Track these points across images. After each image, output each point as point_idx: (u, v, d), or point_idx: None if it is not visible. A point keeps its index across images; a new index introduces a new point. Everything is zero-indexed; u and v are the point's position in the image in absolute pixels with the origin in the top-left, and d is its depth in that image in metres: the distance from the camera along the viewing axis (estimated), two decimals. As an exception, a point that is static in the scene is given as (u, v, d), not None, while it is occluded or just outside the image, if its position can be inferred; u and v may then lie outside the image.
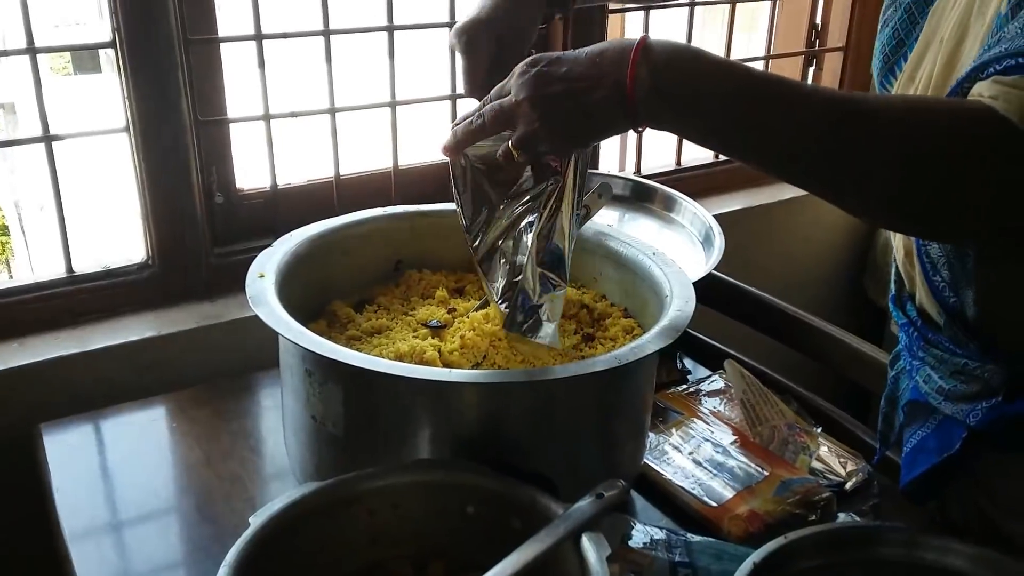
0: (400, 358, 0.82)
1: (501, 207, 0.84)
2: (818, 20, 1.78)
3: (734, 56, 1.64)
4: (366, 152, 1.39)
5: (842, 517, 0.88)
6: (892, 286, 0.88)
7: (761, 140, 0.63)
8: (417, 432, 0.74)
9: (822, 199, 0.64)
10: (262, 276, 0.84)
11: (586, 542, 0.62)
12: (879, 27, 0.82)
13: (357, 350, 0.87)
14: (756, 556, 0.77)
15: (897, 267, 0.86)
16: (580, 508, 0.64)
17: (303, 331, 0.75)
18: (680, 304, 0.83)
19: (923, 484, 0.83)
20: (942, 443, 0.81)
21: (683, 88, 0.64)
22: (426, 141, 1.47)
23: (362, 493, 0.68)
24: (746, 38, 1.67)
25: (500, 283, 0.84)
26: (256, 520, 0.62)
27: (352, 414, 0.75)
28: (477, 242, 0.85)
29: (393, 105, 1.33)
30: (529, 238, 0.80)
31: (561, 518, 0.64)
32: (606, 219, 1.11)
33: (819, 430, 0.99)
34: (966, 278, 0.73)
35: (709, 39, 1.68)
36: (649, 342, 0.76)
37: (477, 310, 0.91)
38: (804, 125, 0.62)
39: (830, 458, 0.97)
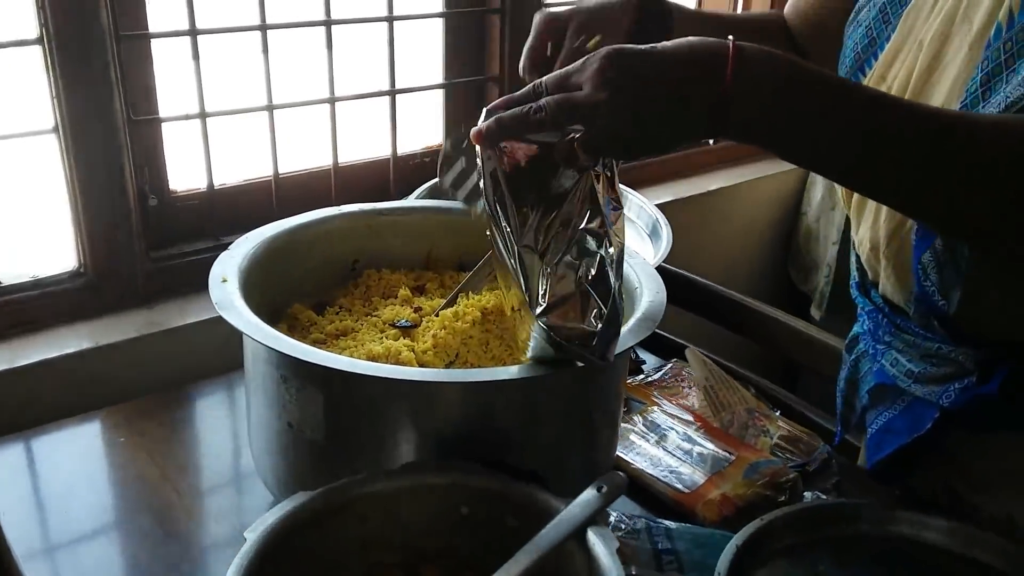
0: (374, 359, 0.80)
1: (539, 207, 0.72)
2: None
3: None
4: (305, 150, 1.36)
5: (808, 496, 0.91)
6: (854, 273, 0.91)
7: (855, 160, 0.62)
8: (402, 434, 0.73)
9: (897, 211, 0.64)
10: (224, 280, 0.81)
11: (593, 537, 0.62)
12: (849, 26, 0.84)
13: (325, 353, 0.85)
14: (738, 539, 0.79)
15: (859, 257, 0.88)
16: (583, 503, 0.64)
17: (279, 336, 0.73)
18: (651, 295, 0.84)
19: (891, 464, 0.87)
20: (911, 424, 0.84)
21: (780, 99, 0.61)
22: (366, 138, 1.45)
23: (353, 500, 0.66)
24: None
25: (544, 288, 0.69)
26: (252, 535, 0.59)
27: (333, 419, 0.73)
28: (510, 245, 0.70)
29: (332, 101, 1.30)
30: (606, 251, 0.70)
31: (564, 514, 0.64)
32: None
33: (778, 413, 1.02)
34: (957, 280, 0.74)
35: None
36: (629, 333, 0.76)
37: (444, 308, 0.90)
38: (904, 150, 0.60)
39: (789, 440, 1.00)
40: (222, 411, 1.06)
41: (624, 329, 0.78)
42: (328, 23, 1.26)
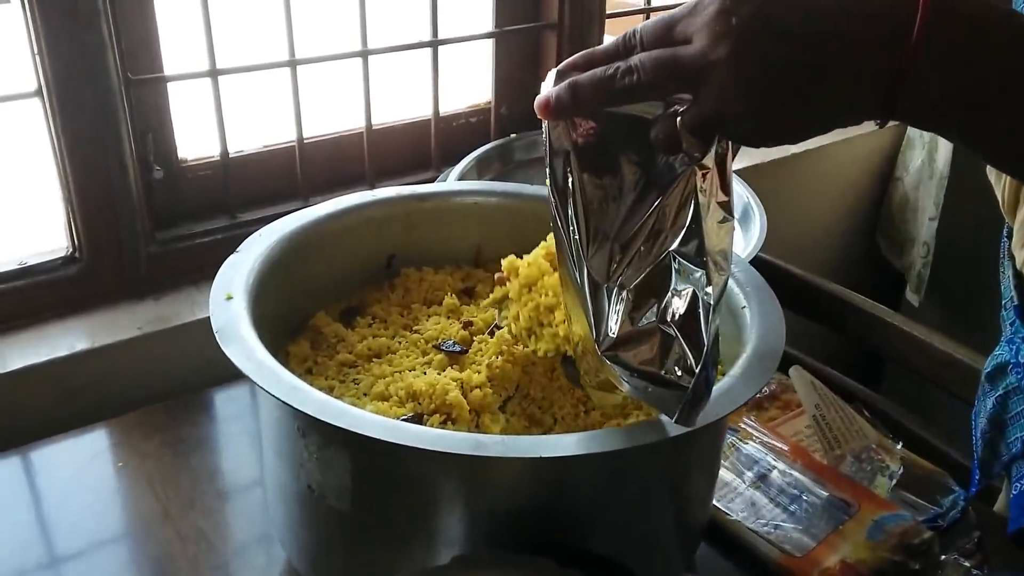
0: (415, 398, 0.64)
1: (622, 208, 0.54)
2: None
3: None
4: (333, 111, 1.18)
5: (946, 560, 0.74)
6: (1011, 292, 0.72)
7: None
8: (446, 510, 0.57)
9: None
10: (230, 298, 0.64)
11: None
12: None
13: (355, 382, 0.69)
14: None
15: (1022, 275, 0.70)
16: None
17: (294, 383, 0.56)
18: (766, 321, 0.66)
19: None
20: None
21: (992, 70, 0.43)
22: (403, 96, 1.27)
23: (390, 608, 0.51)
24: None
25: (616, 316, 0.53)
26: None
27: (362, 487, 0.57)
28: (577, 255, 0.54)
29: (365, 55, 1.11)
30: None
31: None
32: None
33: (900, 447, 0.85)
34: None
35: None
36: (744, 385, 0.59)
37: (500, 325, 0.73)
38: None
39: (914, 482, 0.82)
40: (240, 426, 0.91)
41: (736, 371, 0.61)
42: (360, -38, 1.07)
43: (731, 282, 0.72)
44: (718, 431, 0.66)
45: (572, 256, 0.54)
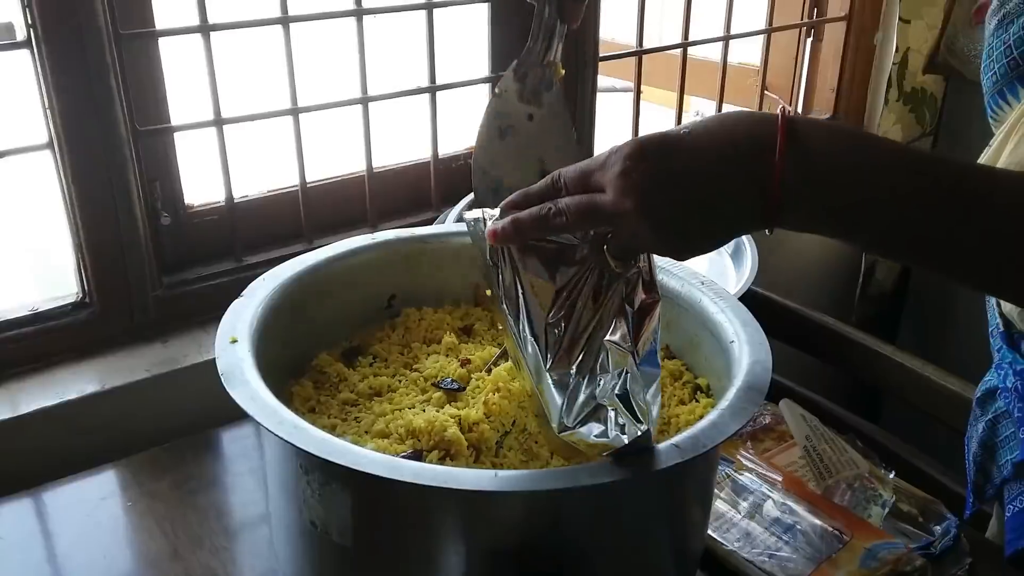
0: (415, 435, 0.66)
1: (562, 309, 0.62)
2: (816, -12, 1.64)
3: (717, 30, 1.49)
4: (335, 155, 1.22)
5: (935, 586, 0.76)
6: (996, 319, 0.74)
7: (937, 250, 0.52)
8: (445, 545, 0.58)
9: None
10: (234, 341, 0.67)
11: None
12: (994, 17, 0.67)
13: (356, 420, 0.71)
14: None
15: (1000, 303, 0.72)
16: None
17: (296, 422, 0.58)
18: (754, 354, 0.68)
19: None
20: None
21: (844, 190, 0.51)
22: (404, 139, 1.30)
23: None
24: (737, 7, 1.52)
25: (565, 407, 0.59)
26: None
27: (364, 523, 0.59)
28: (525, 353, 0.62)
29: (365, 101, 1.15)
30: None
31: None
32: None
33: (891, 475, 0.86)
34: None
35: (707, 7, 1.53)
36: (733, 415, 0.61)
37: (497, 361, 0.76)
38: (990, 236, 0.50)
39: (907, 510, 0.84)
40: (246, 465, 0.93)
41: (724, 404, 0.63)
42: (359, 12, 1.11)
43: (721, 317, 0.74)
44: (709, 461, 0.67)
45: (520, 344, 0.62)
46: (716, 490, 0.84)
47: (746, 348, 0.69)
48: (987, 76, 0.70)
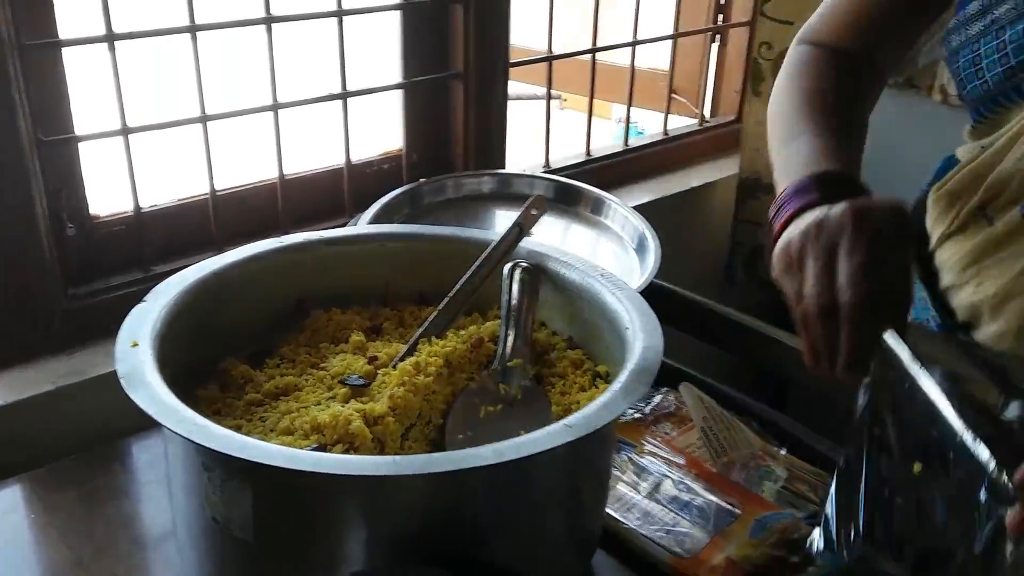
0: (319, 430, 0.67)
1: None
2: (720, -5, 1.70)
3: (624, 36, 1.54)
4: (246, 163, 1.22)
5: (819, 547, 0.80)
6: (931, 311, 0.77)
7: None
8: (351, 535, 0.60)
9: None
10: (135, 345, 0.67)
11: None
12: (976, 23, 0.69)
13: (261, 420, 0.72)
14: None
15: (945, 295, 0.76)
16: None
17: (196, 420, 0.59)
18: (647, 339, 0.72)
19: None
20: None
21: None
22: (315, 146, 1.31)
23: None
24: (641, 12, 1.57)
25: None
26: None
27: (265, 517, 0.60)
28: None
29: (275, 108, 1.15)
30: None
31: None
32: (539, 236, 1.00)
33: (784, 451, 0.91)
34: None
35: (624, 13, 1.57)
36: (623, 395, 0.64)
37: (404, 357, 0.77)
38: None
39: (798, 484, 0.88)
40: (154, 474, 0.92)
41: (616, 386, 0.66)
42: (269, 20, 1.12)
43: (619, 307, 0.78)
44: (603, 441, 0.70)
45: None
46: (619, 473, 0.87)
47: (640, 335, 0.73)
48: (974, 84, 0.71)
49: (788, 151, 0.74)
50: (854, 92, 0.81)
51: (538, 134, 1.45)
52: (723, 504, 0.83)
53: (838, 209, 0.59)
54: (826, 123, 0.75)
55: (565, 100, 3.67)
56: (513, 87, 1.36)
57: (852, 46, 0.82)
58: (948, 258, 0.77)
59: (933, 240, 0.79)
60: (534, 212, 0.86)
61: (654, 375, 0.67)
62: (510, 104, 1.36)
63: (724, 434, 0.90)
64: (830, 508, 0.61)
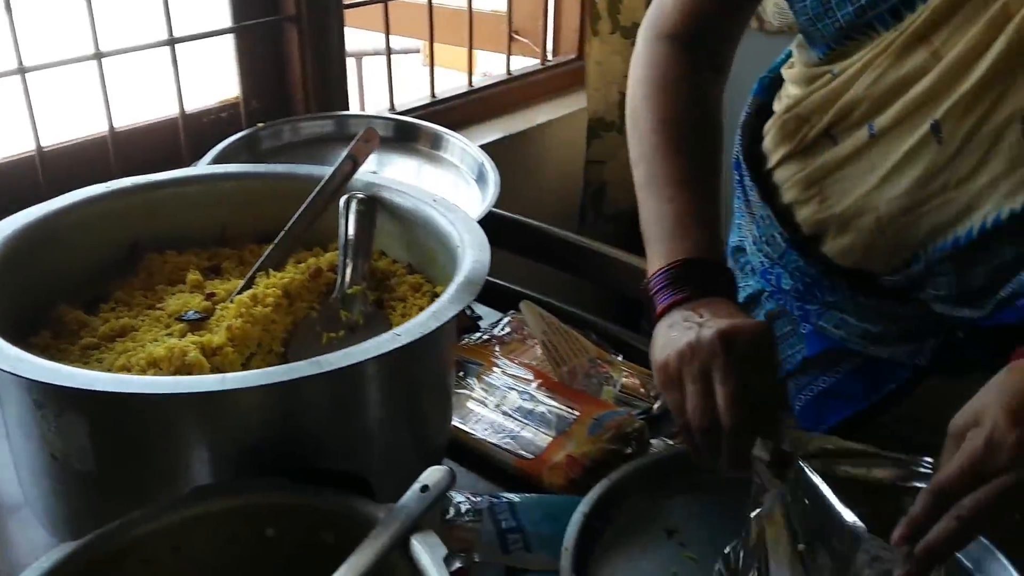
0: (155, 364, 0.68)
1: None
2: None
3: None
4: (75, 116, 1.18)
5: (655, 443, 0.87)
6: (776, 230, 0.82)
7: None
8: (191, 455, 0.62)
9: None
10: (-45, 292, 0.66)
11: (417, 546, 0.54)
12: None
13: (98, 361, 0.72)
14: (584, 506, 0.74)
15: (792, 210, 0.81)
16: (404, 508, 0.56)
17: (22, 356, 0.59)
18: (475, 254, 0.75)
19: (837, 432, 0.82)
20: (869, 386, 0.79)
21: None
22: (145, 96, 1.28)
23: (131, 543, 0.56)
24: None
25: None
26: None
27: (103, 446, 0.61)
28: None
29: (99, 57, 1.12)
30: None
31: (383, 523, 0.55)
32: (368, 165, 1.02)
33: (620, 358, 0.98)
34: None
35: None
36: (450, 303, 0.68)
37: (241, 291, 0.79)
38: None
39: (634, 385, 0.96)
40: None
41: (444, 297, 0.70)
42: (80, -34, 1.08)
43: (450, 228, 0.81)
44: (436, 350, 0.74)
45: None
46: (468, 391, 0.91)
47: (469, 251, 0.77)
48: (825, 22, 0.74)
49: (654, 206, 0.78)
50: (706, 113, 0.83)
51: (400, 85, 1.46)
52: (564, 409, 0.89)
53: (708, 334, 0.64)
54: (688, 175, 0.78)
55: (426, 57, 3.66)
56: (374, 41, 1.36)
57: (697, 38, 0.84)
58: (789, 176, 0.82)
59: (772, 160, 0.84)
60: (366, 143, 0.88)
61: (481, 285, 0.71)
62: (371, 60, 1.36)
63: (563, 346, 0.96)
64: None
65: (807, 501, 0.60)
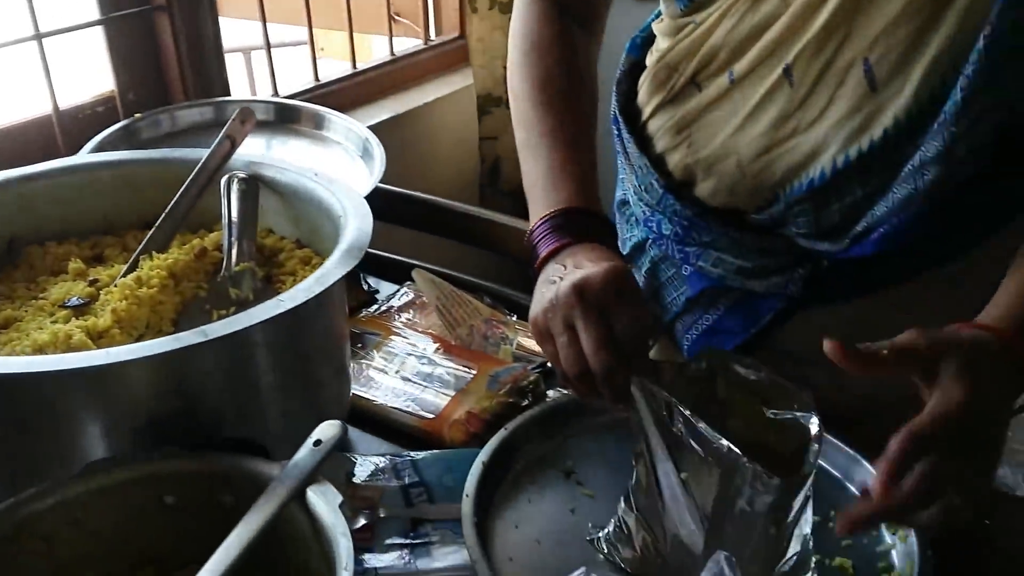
0: (41, 350, 0.68)
1: None
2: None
3: None
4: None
5: (551, 394, 0.91)
6: (652, 177, 0.86)
7: None
8: (83, 434, 0.62)
9: None
10: None
11: (312, 496, 0.56)
12: None
13: (-19, 354, 0.71)
14: (483, 456, 0.77)
15: (663, 158, 0.85)
16: (298, 463, 0.58)
17: None
18: (357, 222, 0.78)
19: None
20: (747, 320, 0.83)
21: None
22: (17, 94, 1.24)
23: (29, 520, 0.56)
24: None
25: None
26: None
27: (-7, 432, 0.61)
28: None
29: (-41, 55, 1.09)
30: None
31: (278, 479, 0.57)
32: (253, 149, 1.02)
33: (514, 318, 1.01)
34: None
35: None
36: (334, 268, 0.70)
37: (125, 275, 0.79)
38: None
39: (529, 342, 0.99)
40: None
41: (329, 263, 0.72)
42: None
43: (332, 200, 0.83)
44: (325, 312, 0.75)
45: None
46: (368, 361, 0.93)
47: (351, 219, 0.79)
48: None
49: (531, 164, 0.81)
50: (578, 70, 0.86)
51: (291, 76, 1.46)
52: (462, 369, 0.91)
53: (564, 287, 0.68)
54: (562, 131, 0.82)
55: (323, 49, 3.62)
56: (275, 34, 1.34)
57: None
58: (661, 125, 0.86)
59: (647, 112, 0.88)
60: (242, 123, 0.88)
61: (364, 249, 0.73)
62: (260, 54, 1.34)
63: (457, 310, 0.98)
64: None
65: (682, 430, 0.64)
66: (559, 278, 0.70)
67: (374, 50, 3.15)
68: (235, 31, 1.79)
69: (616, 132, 0.91)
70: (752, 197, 0.80)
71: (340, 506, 0.55)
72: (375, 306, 1.05)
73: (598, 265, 0.69)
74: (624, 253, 0.95)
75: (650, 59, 0.88)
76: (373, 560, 0.70)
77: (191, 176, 0.85)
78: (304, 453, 0.58)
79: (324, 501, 0.56)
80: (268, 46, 1.49)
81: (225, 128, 0.87)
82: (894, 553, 0.70)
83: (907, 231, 0.72)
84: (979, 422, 0.60)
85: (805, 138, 0.75)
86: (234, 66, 1.60)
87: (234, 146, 0.88)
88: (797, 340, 0.85)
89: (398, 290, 1.07)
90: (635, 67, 0.91)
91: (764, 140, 0.77)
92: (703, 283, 0.86)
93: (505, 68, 1.75)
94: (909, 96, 0.69)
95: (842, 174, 0.74)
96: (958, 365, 0.59)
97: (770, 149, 0.77)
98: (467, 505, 0.72)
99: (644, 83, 0.88)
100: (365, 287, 1.09)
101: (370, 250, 1.12)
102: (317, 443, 0.59)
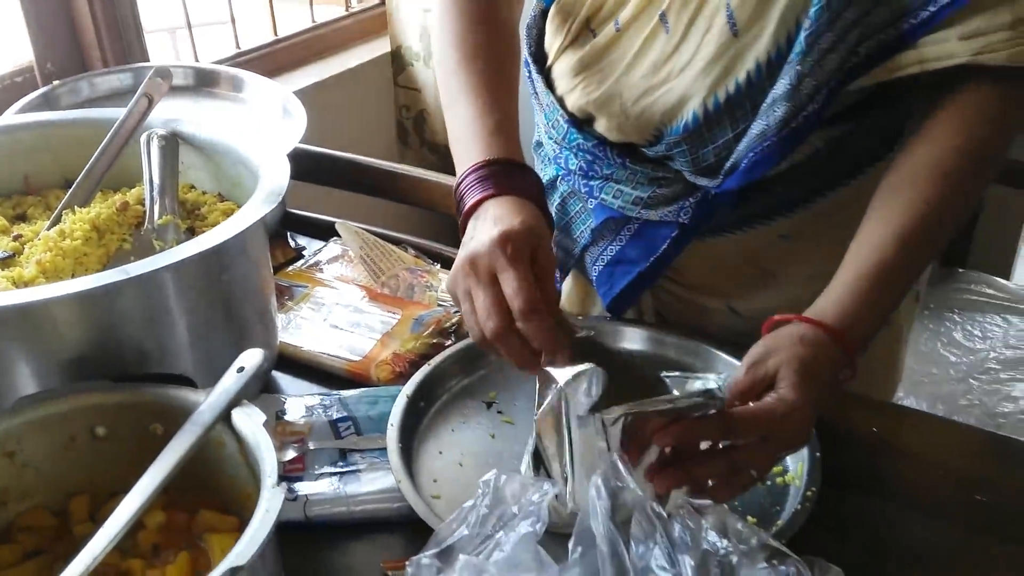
0: (-33, 302, 0.70)
1: None
2: None
3: None
4: None
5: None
6: (559, 114, 0.91)
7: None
8: (13, 372, 0.64)
9: None
10: None
11: (237, 417, 0.60)
12: None
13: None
14: (407, 389, 0.81)
15: (561, 100, 0.89)
16: (222, 388, 0.61)
17: None
18: (274, 169, 0.80)
19: (626, 294, 0.91)
20: (646, 249, 0.88)
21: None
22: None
23: (-38, 455, 0.58)
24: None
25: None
26: None
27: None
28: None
29: None
30: None
31: (204, 405, 0.61)
32: (173, 112, 1.03)
33: (438, 267, 1.05)
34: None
35: None
36: (254, 210, 0.73)
37: (49, 229, 0.80)
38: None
39: (452, 289, 1.03)
40: None
41: (246, 206, 0.75)
42: None
43: (251, 152, 0.85)
44: (245, 254, 0.77)
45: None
46: (296, 312, 0.96)
47: (268, 168, 0.81)
48: None
49: (455, 122, 0.83)
50: (498, 29, 0.88)
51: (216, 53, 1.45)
52: (387, 314, 0.95)
53: (485, 239, 0.68)
54: (482, 87, 0.83)
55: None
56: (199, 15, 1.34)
57: None
58: (563, 68, 0.91)
59: (552, 56, 0.93)
60: (160, 81, 0.90)
61: (281, 193, 0.76)
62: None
63: (381, 259, 1.02)
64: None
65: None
66: (471, 239, 0.71)
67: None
68: (159, 11, 1.78)
69: (527, 74, 0.95)
70: (639, 135, 0.86)
71: (264, 424, 0.59)
72: (302, 261, 1.07)
73: (495, 227, 0.70)
74: None
75: (554, 5, 0.92)
76: (305, 488, 0.74)
77: (110, 133, 0.86)
78: (227, 378, 0.62)
79: (249, 421, 0.59)
80: (186, 11, 1.49)
81: (142, 86, 0.88)
82: (788, 458, 0.76)
83: (763, 163, 0.79)
84: (803, 423, 0.65)
85: (678, 83, 0.81)
86: (159, 47, 1.60)
87: (151, 104, 0.89)
88: (694, 271, 0.92)
89: (323, 245, 1.10)
90: (544, 13, 0.96)
91: (643, 84, 0.83)
92: (605, 214, 0.91)
93: (422, 27, 1.79)
94: (767, 40, 0.75)
95: (712, 117, 0.81)
96: (790, 382, 0.64)
97: (648, 92, 0.83)
98: (392, 434, 0.76)
99: (548, 28, 0.93)
100: (293, 244, 1.12)
101: (296, 211, 1.16)
102: (240, 369, 0.62)
